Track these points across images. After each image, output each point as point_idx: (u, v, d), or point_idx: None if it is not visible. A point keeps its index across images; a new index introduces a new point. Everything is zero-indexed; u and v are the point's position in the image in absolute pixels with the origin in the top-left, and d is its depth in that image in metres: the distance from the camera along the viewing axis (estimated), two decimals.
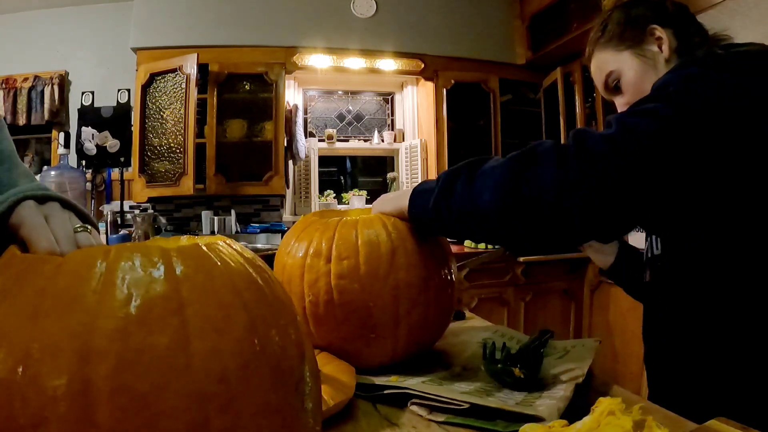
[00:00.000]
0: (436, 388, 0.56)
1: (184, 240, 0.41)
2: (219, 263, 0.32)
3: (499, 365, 0.60)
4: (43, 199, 0.44)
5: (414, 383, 0.58)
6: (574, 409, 0.51)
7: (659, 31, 0.73)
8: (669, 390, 0.71)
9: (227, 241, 0.36)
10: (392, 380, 0.60)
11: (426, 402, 0.54)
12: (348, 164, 3.67)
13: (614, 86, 0.78)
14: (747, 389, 0.60)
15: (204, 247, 0.33)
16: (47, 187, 0.47)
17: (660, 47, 0.73)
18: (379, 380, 0.61)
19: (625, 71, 0.75)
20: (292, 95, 3.18)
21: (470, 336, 0.81)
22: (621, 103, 0.78)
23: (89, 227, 0.44)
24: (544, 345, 0.72)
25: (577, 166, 0.51)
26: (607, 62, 0.77)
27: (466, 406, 0.52)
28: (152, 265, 0.29)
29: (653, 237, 0.75)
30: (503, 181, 0.55)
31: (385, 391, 0.58)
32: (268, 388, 0.30)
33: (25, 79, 3.02)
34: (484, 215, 0.57)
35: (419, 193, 0.65)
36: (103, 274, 0.28)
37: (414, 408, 0.55)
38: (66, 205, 0.46)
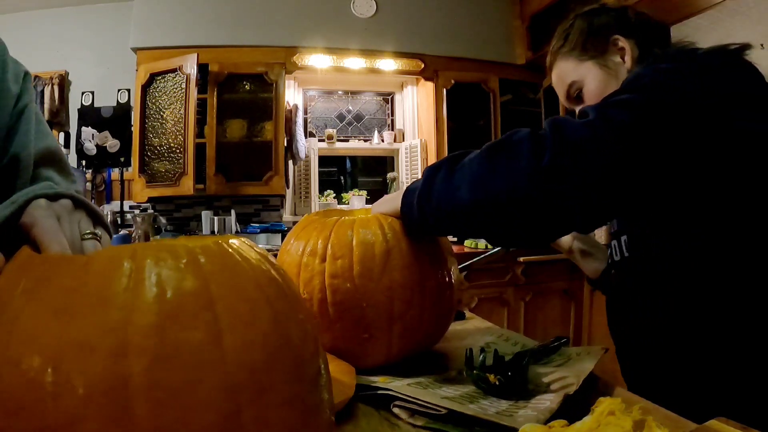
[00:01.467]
0: (419, 392, 0.55)
1: (199, 239, 0.42)
2: (241, 260, 0.33)
3: (474, 371, 0.59)
4: (54, 197, 0.44)
5: (399, 385, 0.58)
6: (574, 409, 0.51)
7: (622, 42, 0.73)
8: (643, 386, 0.71)
9: (242, 239, 0.37)
10: (380, 381, 0.60)
11: (408, 405, 0.54)
12: (348, 164, 3.68)
13: (576, 96, 0.77)
14: (747, 389, 0.60)
15: (225, 245, 0.34)
16: (57, 186, 0.46)
17: (623, 58, 0.73)
18: (367, 380, 0.60)
19: (587, 81, 0.75)
20: (292, 95, 3.18)
21: (474, 339, 0.80)
22: None
23: (99, 233, 0.44)
24: (553, 351, 0.71)
25: (554, 155, 0.50)
26: (569, 72, 0.77)
27: (444, 411, 0.51)
28: (180, 263, 0.30)
29: (617, 240, 0.75)
30: (478, 172, 0.54)
31: (369, 392, 0.57)
32: (292, 380, 0.31)
33: None
34: (461, 208, 0.56)
35: (409, 192, 0.64)
36: (133, 272, 0.29)
37: (396, 410, 0.54)
38: (78, 203, 0.46)
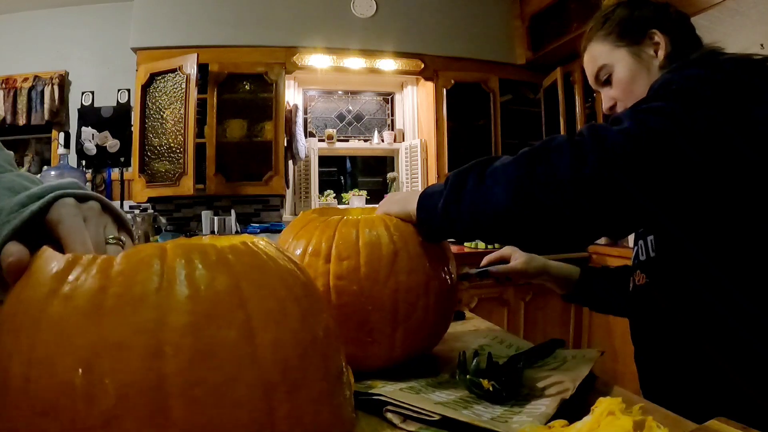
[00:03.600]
0: (412, 397, 0.54)
1: (226, 239, 0.42)
2: (267, 259, 0.34)
3: (468, 376, 0.58)
4: (83, 198, 0.43)
5: (391, 390, 0.56)
6: (574, 409, 0.51)
7: (658, 36, 0.74)
8: (664, 391, 0.71)
9: (265, 240, 0.37)
10: (371, 385, 0.59)
11: (400, 410, 0.53)
12: (348, 164, 3.68)
13: (605, 80, 0.79)
14: (749, 389, 0.60)
15: (251, 245, 0.34)
16: (86, 186, 0.46)
17: (656, 52, 0.74)
18: (357, 386, 0.59)
19: (617, 68, 0.77)
20: (292, 95, 3.18)
21: (468, 342, 0.79)
22: (608, 96, 0.79)
23: (123, 239, 0.44)
24: (548, 354, 0.70)
25: (595, 161, 0.51)
26: (602, 55, 0.79)
27: (437, 417, 0.50)
28: (211, 263, 0.30)
29: (643, 240, 0.75)
30: (516, 178, 0.54)
31: (361, 397, 0.56)
32: (321, 377, 0.31)
33: (25, 79, 3.02)
34: (497, 214, 0.56)
35: (428, 197, 0.64)
36: (165, 272, 0.29)
37: (389, 415, 0.53)
38: (105, 207, 0.45)
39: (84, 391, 0.25)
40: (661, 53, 0.74)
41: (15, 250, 0.35)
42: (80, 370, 0.25)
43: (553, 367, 0.66)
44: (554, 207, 0.52)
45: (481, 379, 0.56)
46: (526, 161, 0.55)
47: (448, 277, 0.68)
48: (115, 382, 0.25)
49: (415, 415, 0.52)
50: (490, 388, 0.56)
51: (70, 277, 0.29)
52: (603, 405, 0.41)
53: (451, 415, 0.50)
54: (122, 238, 0.44)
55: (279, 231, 2.95)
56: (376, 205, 0.78)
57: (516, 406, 0.54)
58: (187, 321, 0.27)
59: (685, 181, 0.53)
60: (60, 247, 0.38)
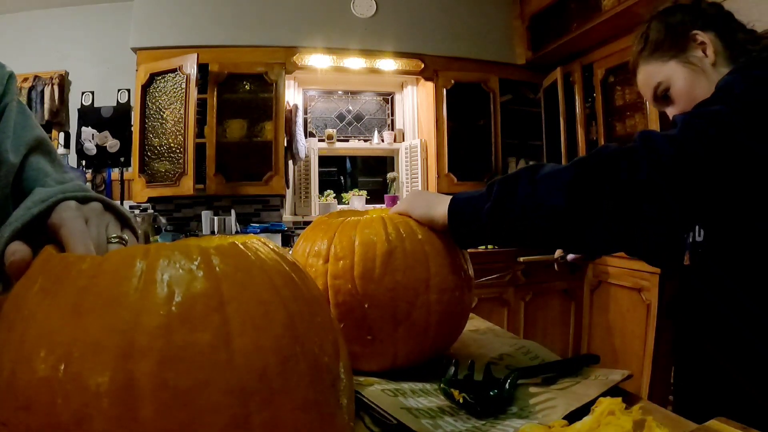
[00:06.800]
0: (385, 399, 0.53)
1: (219, 239, 0.42)
2: (256, 261, 0.33)
3: (441, 384, 0.57)
4: (84, 200, 0.44)
5: (373, 390, 0.56)
6: (574, 409, 0.51)
7: (701, 36, 0.73)
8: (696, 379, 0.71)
9: (262, 240, 0.37)
10: (363, 381, 0.59)
11: (372, 412, 0.52)
12: (348, 164, 3.68)
13: (663, 96, 0.77)
14: (751, 389, 0.60)
15: (241, 246, 0.34)
16: (88, 188, 0.47)
17: (704, 51, 0.72)
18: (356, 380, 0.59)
19: (673, 81, 0.75)
20: (292, 95, 3.18)
21: (490, 349, 0.75)
22: (672, 113, 0.77)
23: (126, 237, 0.44)
24: (570, 372, 0.64)
25: (649, 172, 0.52)
26: (654, 74, 0.77)
27: (394, 422, 0.49)
28: (192, 264, 0.30)
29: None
30: (572, 183, 0.55)
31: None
32: (307, 385, 0.30)
33: (25, 79, 3.02)
34: (552, 218, 0.56)
35: (464, 202, 0.64)
36: (144, 272, 0.28)
37: (362, 413, 0.53)
38: (107, 206, 0.46)
39: (59, 388, 0.25)
40: (710, 51, 0.72)
41: (18, 248, 0.37)
42: (57, 368, 0.26)
43: (562, 387, 0.61)
44: (612, 209, 0.53)
45: (452, 390, 0.55)
46: (582, 169, 0.56)
47: (455, 275, 0.66)
48: (88, 381, 0.25)
49: (381, 418, 0.51)
50: (460, 400, 0.54)
51: (60, 276, 0.30)
52: (603, 405, 0.41)
53: (407, 423, 0.49)
54: (124, 236, 0.44)
55: (279, 231, 2.95)
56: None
57: (488, 423, 0.52)
58: (158, 323, 0.26)
59: (723, 190, 0.53)
60: (64, 249, 0.38)
